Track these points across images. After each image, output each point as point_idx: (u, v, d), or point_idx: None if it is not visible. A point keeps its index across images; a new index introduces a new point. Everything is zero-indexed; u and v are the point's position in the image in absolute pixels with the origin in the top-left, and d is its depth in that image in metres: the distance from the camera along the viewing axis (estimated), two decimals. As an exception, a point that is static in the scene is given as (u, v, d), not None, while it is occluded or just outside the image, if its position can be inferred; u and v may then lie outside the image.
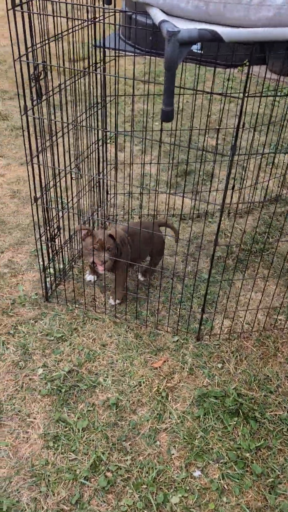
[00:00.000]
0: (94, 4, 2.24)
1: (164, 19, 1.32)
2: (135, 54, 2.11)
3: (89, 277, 2.59)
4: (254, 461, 1.82)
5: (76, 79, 2.24)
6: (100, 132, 2.60)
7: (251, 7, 1.28)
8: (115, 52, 2.38)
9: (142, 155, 2.22)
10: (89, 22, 2.05)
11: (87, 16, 2.23)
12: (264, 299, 2.53)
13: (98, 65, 2.41)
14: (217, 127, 4.13)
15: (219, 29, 1.25)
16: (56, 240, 2.41)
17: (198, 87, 5.12)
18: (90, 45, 2.29)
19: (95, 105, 2.48)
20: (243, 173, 2.65)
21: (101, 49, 2.37)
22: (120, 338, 2.29)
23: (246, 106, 2.27)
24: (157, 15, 1.37)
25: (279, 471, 1.80)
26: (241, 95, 1.59)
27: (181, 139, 4.00)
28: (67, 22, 1.96)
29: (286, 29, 1.25)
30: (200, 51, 5.70)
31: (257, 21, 1.29)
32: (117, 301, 2.45)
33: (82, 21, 1.98)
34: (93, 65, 2.37)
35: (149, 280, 2.59)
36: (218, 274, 2.67)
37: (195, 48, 5.25)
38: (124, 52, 4.22)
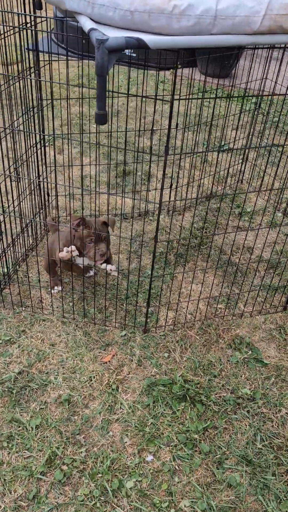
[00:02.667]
0: (24, 9, 2.28)
1: (93, 27, 1.39)
2: (68, 58, 2.17)
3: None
4: (202, 441, 1.94)
5: (11, 83, 2.27)
6: (37, 135, 2.64)
7: (173, 17, 1.39)
8: (49, 57, 2.43)
9: (80, 157, 2.28)
10: (20, 29, 2.09)
11: (18, 21, 2.27)
12: (204, 289, 2.66)
13: (33, 69, 2.45)
14: (151, 128, 4.26)
15: (145, 37, 1.35)
16: (-1, 244, 2.42)
17: (132, 89, 5.24)
18: (22, 49, 2.33)
19: (32, 109, 2.51)
20: (179, 171, 2.78)
21: (34, 53, 2.41)
22: (69, 336, 2.34)
23: (178, 107, 2.39)
24: (86, 23, 1.44)
25: (225, 448, 1.92)
26: (174, 98, 1.70)
27: (119, 140, 4.09)
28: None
29: (205, 37, 1.37)
30: (133, 54, 5.82)
31: (179, 30, 1.40)
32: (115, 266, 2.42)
33: (10, 27, 2.02)
34: (28, 69, 2.40)
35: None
36: (160, 269, 2.78)
37: (128, 51, 5.36)
38: (57, 56, 4.25)
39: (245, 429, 1.99)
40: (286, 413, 2.07)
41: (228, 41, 1.43)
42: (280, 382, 2.20)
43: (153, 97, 1.64)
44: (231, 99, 5.06)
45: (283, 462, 1.88)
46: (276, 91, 5.12)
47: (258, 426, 2.00)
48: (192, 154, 2.82)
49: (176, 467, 1.86)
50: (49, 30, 2.25)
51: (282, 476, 1.84)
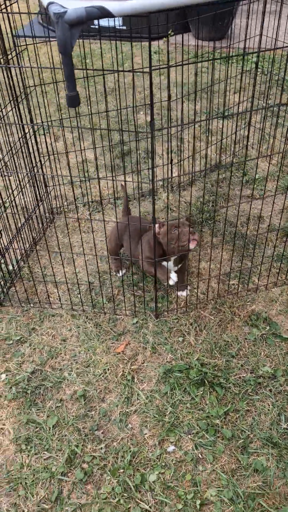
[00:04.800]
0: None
1: (52, 0, 1.27)
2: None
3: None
4: (224, 426, 1.86)
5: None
6: (25, 126, 2.54)
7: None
8: (33, 40, 2.33)
9: (78, 142, 2.19)
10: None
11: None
12: (215, 266, 2.55)
13: (10, 56, 2.34)
14: (148, 103, 4.09)
15: (107, 4, 1.22)
16: (-1, 242, 2.36)
17: (125, 64, 5.05)
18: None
19: (15, 98, 2.40)
20: (181, 145, 2.65)
21: (13, 39, 2.29)
22: (79, 330, 2.28)
23: (176, 77, 2.24)
24: (45, -2, 1.32)
25: (248, 431, 1.84)
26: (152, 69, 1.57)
27: (115, 120, 3.95)
28: None
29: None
30: (123, 27, 5.60)
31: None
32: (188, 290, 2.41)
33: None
34: (4, 56, 2.29)
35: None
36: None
37: (118, 24, 5.15)
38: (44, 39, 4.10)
39: (268, 410, 1.91)
40: (310, 388, 1.97)
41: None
42: (302, 356, 2.09)
43: (131, 70, 1.51)
44: (229, 60, 4.83)
45: (311, 440, 1.80)
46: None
47: (282, 405, 1.91)
48: (182, 126, 2.67)
49: (199, 455, 1.79)
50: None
51: (311, 455, 1.76)
